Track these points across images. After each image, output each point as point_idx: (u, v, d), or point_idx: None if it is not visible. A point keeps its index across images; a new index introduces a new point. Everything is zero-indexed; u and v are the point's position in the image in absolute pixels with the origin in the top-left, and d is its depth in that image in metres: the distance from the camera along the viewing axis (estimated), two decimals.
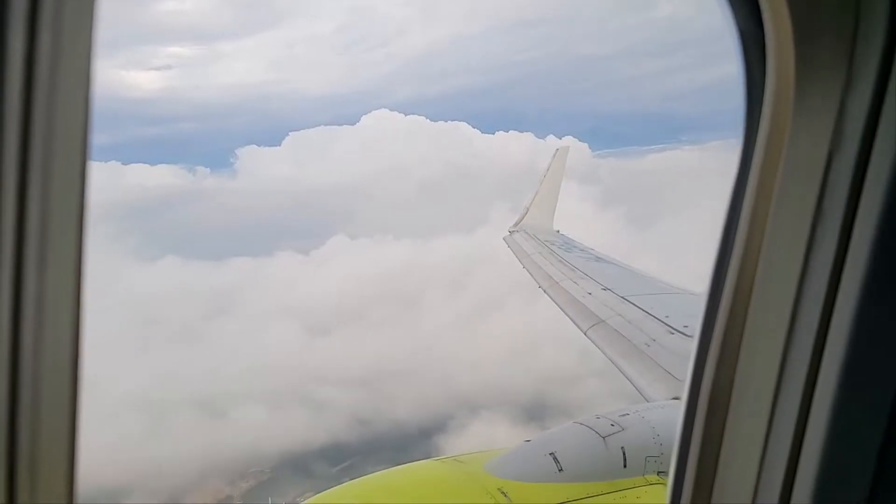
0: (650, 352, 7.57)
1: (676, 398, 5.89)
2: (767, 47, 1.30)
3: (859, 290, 1.22)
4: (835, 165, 1.26)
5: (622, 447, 4.10)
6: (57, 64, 0.88)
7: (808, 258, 1.29)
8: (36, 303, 0.91)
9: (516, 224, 17.01)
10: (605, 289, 10.46)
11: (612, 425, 4.26)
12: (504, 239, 16.42)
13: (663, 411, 5.02)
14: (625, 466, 4.05)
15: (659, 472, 4.08)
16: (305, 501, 3.79)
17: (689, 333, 7.67)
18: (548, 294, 11.56)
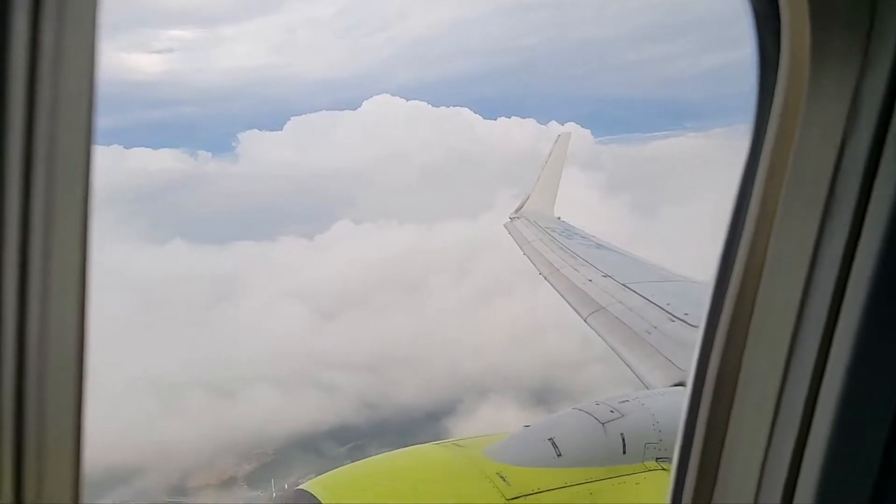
0: (651, 339, 7.59)
1: (677, 385, 5.91)
2: (782, 29, 1.27)
3: (870, 282, 1.20)
4: (848, 152, 1.24)
5: (622, 433, 4.12)
6: (60, 47, 0.87)
7: (819, 247, 1.27)
8: (41, 289, 0.90)
9: (517, 210, 16.97)
10: (606, 276, 10.46)
11: (612, 412, 4.28)
12: (505, 225, 16.40)
13: (663, 398, 5.04)
14: (624, 453, 4.07)
15: (658, 459, 4.11)
16: (306, 483, 3.82)
17: (690, 321, 7.67)
18: (548, 281, 11.57)
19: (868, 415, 1.26)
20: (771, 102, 1.32)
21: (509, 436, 4.24)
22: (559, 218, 16.21)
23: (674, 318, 7.99)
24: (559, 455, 3.93)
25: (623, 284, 9.79)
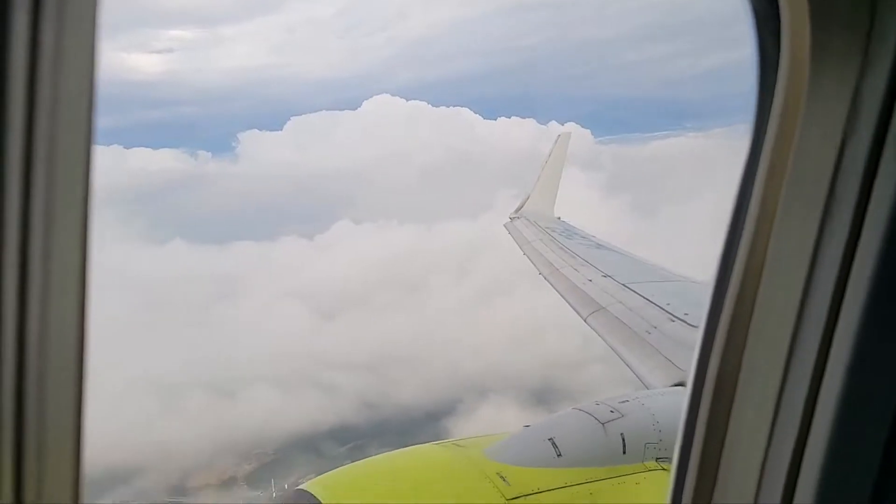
0: (651, 339, 7.58)
1: (677, 385, 5.91)
2: (782, 29, 1.26)
3: (870, 282, 1.20)
4: (848, 152, 1.23)
5: (621, 433, 4.12)
6: (61, 47, 0.87)
7: (819, 247, 1.27)
8: (41, 289, 0.90)
9: (517, 211, 16.98)
10: (606, 276, 10.46)
11: (612, 412, 4.28)
12: (505, 226, 16.41)
13: (663, 398, 5.04)
14: (624, 453, 4.07)
15: (658, 459, 4.10)
16: (306, 482, 3.82)
17: (690, 321, 7.67)
18: (548, 281, 11.57)
19: (868, 415, 1.26)
20: (771, 102, 1.31)
21: (509, 436, 4.24)
22: (559, 218, 16.21)
23: (674, 318, 7.99)
24: (559, 455, 3.93)
25: (623, 284, 9.79)
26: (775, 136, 1.31)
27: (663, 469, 4.05)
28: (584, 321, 9.22)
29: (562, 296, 10.62)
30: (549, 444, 3.99)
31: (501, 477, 3.74)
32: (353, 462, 4.29)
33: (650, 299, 8.83)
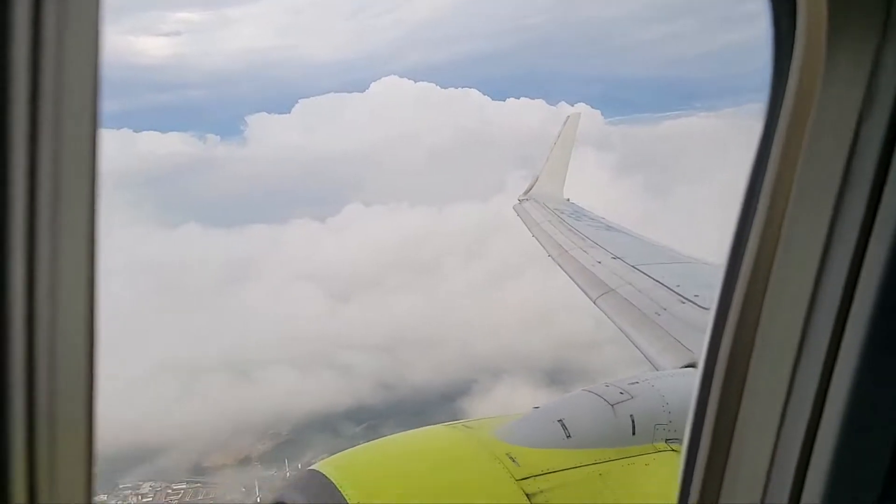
0: (660, 321, 7.57)
1: (687, 367, 5.91)
2: (798, 9, 1.23)
3: (885, 265, 1.18)
4: (865, 129, 1.21)
5: (631, 415, 4.13)
6: (64, 30, 0.85)
7: (833, 229, 1.25)
8: (49, 283, 0.88)
9: (526, 192, 16.91)
10: (616, 258, 10.43)
11: (622, 393, 4.28)
12: (514, 208, 16.35)
13: (673, 380, 5.03)
14: (633, 434, 4.08)
15: (668, 440, 4.11)
16: (318, 463, 3.87)
17: (700, 303, 7.64)
18: (557, 263, 11.55)
19: (881, 396, 1.25)
20: (786, 83, 1.29)
21: (518, 417, 4.26)
22: (568, 200, 16.14)
23: (684, 300, 7.97)
24: (568, 436, 3.95)
25: (633, 266, 9.76)
26: (790, 118, 1.28)
27: (673, 450, 4.06)
28: (594, 303, 9.21)
29: (571, 278, 10.60)
30: (559, 425, 4.01)
31: (511, 458, 3.76)
32: (367, 442, 4.33)
33: (660, 281, 8.80)
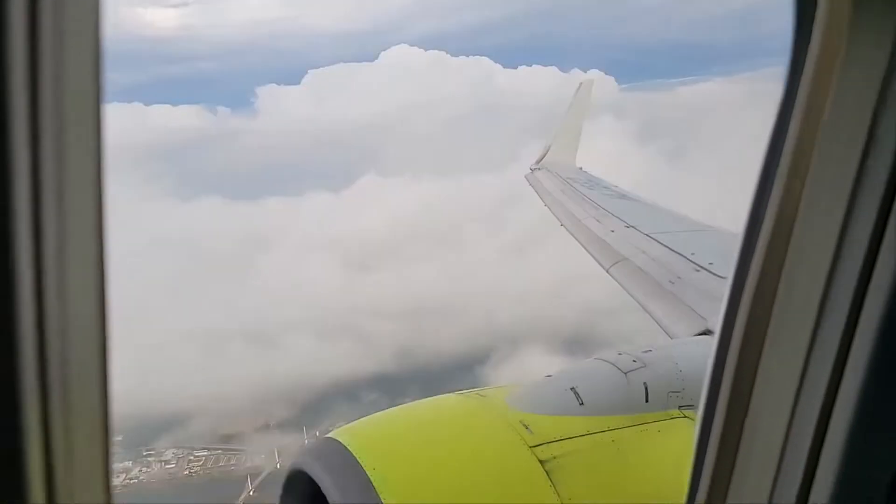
0: (674, 289, 7.54)
1: (701, 334, 5.90)
2: None
3: None
4: (889, 95, 1.16)
5: (644, 382, 4.14)
6: (63, 2, 0.82)
7: (856, 195, 1.20)
8: (57, 263, 0.85)
9: (538, 162, 16.74)
10: (629, 226, 10.34)
11: (634, 361, 4.29)
12: (525, 177, 16.22)
13: (687, 347, 5.03)
14: (647, 401, 4.10)
15: (681, 407, 4.13)
16: (334, 431, 3.93)
17: (715, 271, 7.59)
18: (570, 232, 11.49)
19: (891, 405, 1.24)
20: (808, 44, 1.24)
21: (531, 385, 4.30)
22: (581, 168, 15.96)
23: (699, 268, 7.91)
24: (581, 404, 3.98)
25: (646, 234, 9.68)
26: (812, 80, 1.23)
27: (686, 416, 4.08)
28: (607, 272, 9.18)
29: (584, 247, 10.56)
30: (572, 393, 4.04)
31: (524, 425, 3.81)
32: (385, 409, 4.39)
33: (674, 249, 8.73)
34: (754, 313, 1.37)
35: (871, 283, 1.20)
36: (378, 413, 4.35)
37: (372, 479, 3.41)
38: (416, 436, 3.95)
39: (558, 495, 3.54)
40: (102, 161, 0.89)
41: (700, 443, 1.48)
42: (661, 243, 9.09)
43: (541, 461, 3.63)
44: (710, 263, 7.85)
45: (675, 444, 3.85)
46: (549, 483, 3.57)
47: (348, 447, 3.61)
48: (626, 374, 4.18)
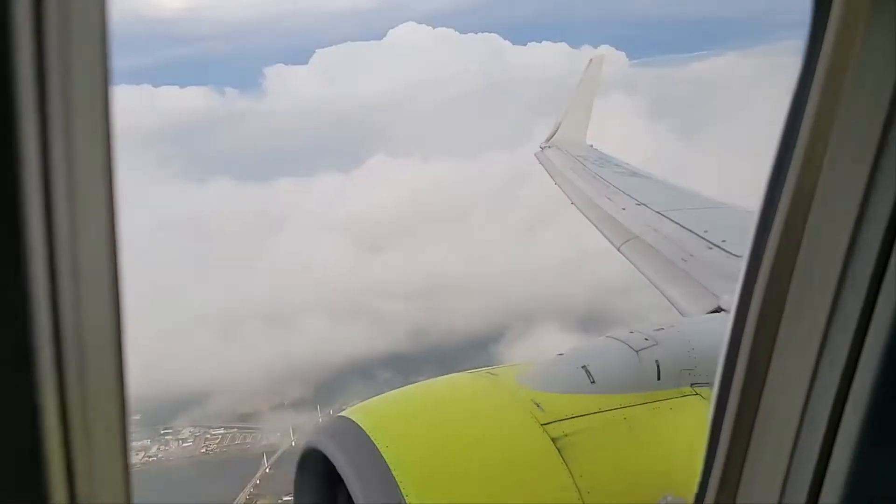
0: (687, 267, 7.50)
1: (713, 312, 5.87)
2: None
3: None
4: None
5: (656, 360, 4.14)
6: None
7: (875, 172, 1.16)
8: (70, 243, 0.84)
9: (548, 140, 16.60)
10: (640, 204, 10.27)
11: (646, 339, 4.29)
12: (535, 155, 16.10)
13: (699, 325, 5.01)
14: (659, 379, 4.10)
15: (693, 385, 4.13)
16: (347, 409, 3.98)
17: (728, 248, 7.53)
18: (581, 210, 11.42)
19: None
20: (829, 11, 1.19)
21: (542, 364, 4.31)
22: (591, 146, 15.82)
23: (711, 246, 7.86)
24: (593, 382, 3.99)
25: (658, 212, 9.61)
26: (832, 53, 1.18)
27: (698, 394, 4.08)
28: (618, 250, 9.14)
29: (595, 225, 10.50)
30: (583, 371, 4.05)
31: (536, 404, 3.83)
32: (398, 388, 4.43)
33: (686, 226, 8.67)
34: (770, 293, 1.35)
35: (889, 263, 1.18)
36: (390, 392, 4.39)
37: (385, 456, 3.45)
38: (428, 414, 3.98)
39: (570, 472, 3.57)
40: (112, 144, 0.88)
41: (714, 422, 1.47)
42: (673, 220, 9.03)
43: (552, 439, 3.66)
44: (724, 241, 7.79)
45: (687, 421, 3.86)
46: (561, 460, 3.59)
47: (361, 425, 3.66)
48: (637, 352, 4.18)
